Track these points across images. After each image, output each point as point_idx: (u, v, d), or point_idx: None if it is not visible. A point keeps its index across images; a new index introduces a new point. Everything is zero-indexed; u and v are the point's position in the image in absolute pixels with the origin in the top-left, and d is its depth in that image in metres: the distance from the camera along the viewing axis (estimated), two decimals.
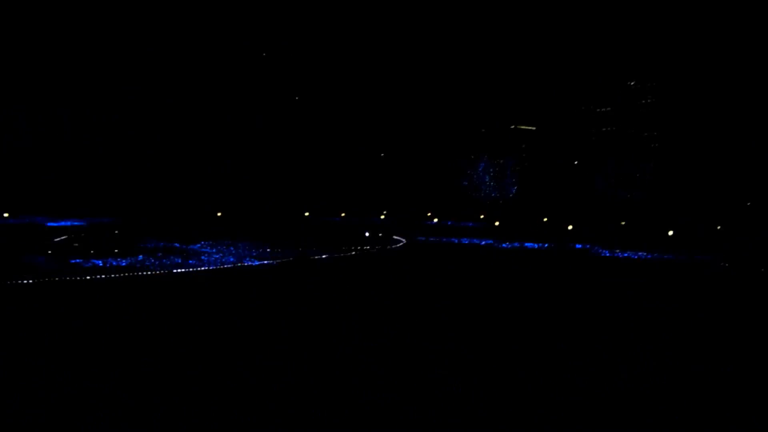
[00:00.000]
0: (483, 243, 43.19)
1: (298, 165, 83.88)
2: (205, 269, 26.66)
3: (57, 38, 75.12)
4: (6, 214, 58.71)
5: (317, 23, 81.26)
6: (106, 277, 23.34)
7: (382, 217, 71.52)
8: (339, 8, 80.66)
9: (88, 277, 22.96)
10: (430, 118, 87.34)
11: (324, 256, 32.76)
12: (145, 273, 24.76)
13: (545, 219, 67.49)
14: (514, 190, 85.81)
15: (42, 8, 73.19)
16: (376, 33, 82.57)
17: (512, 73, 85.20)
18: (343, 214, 72.78)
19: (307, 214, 72.49)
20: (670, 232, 51.82)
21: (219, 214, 71.04)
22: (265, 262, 29.95)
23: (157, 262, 28.64)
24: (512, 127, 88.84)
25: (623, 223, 63.63)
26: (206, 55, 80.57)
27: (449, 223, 65.04)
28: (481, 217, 71.39)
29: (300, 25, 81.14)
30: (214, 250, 35.60)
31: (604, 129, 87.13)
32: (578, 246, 41.31)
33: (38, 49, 74.79)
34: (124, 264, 27.66)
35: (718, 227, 59.31)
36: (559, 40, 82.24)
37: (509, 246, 41.76)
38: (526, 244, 42.85)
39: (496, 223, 63.17)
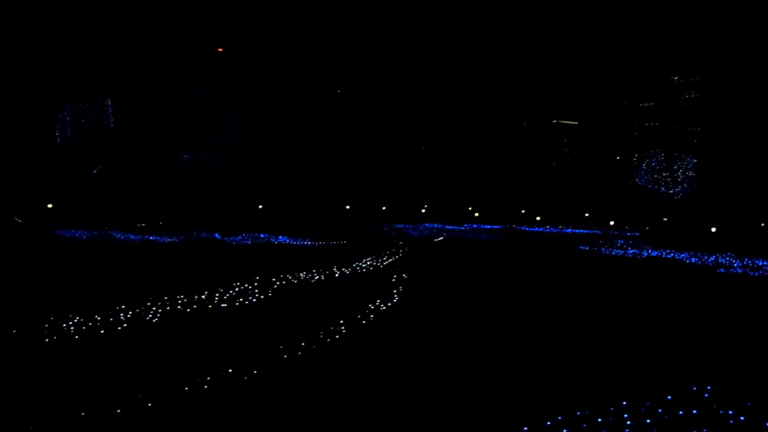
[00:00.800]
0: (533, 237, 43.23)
1: (342, 160, 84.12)
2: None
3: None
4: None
5: (360, 21, 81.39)
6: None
7: (423, 211, 71.65)
8: (376, 6, 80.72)
9: None
10: (471, 111, 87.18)
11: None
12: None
13: (587, 214, 67.27)
14: (556, 184, 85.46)
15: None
16: (417, 28, 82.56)
17: (554, 67, 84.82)
18: (384, 208, 72.99)
19: (348, 207, 72.78)
20: (713, 229, 51.51)
21: (260, 206, 71.52)
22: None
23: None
24: (554, 121, 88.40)
25: (665, 219, 63.26)
26: (267, 49, 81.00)
27: (491, 216, 65.04)
28: (522, 211, 71.29)
29: (342, 22, 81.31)
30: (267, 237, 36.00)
31: (646, 124, 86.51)
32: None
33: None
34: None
35: (762, 224, 58.77)
36: (602, 34, 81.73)
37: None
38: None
39: (537, 218, 63.10)
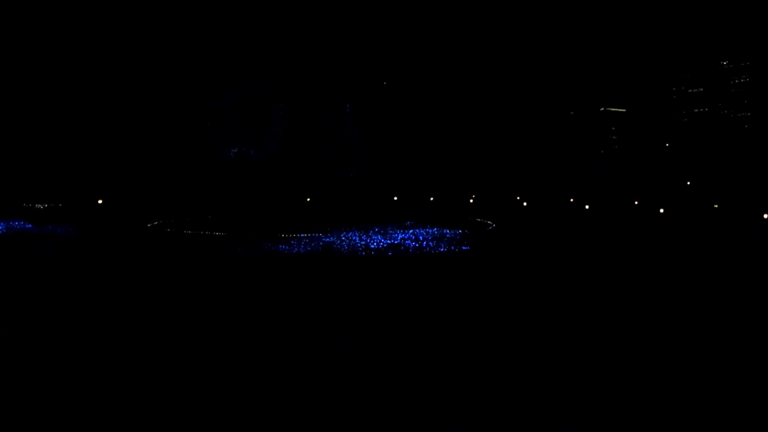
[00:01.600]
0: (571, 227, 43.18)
1: (385, 150, 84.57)
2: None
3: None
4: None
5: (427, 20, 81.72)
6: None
7: (471, 201, 71.87)
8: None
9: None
10: (517, 101, 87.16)
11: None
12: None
13: (636, 202, 67.02)
14: (603, 173, 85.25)
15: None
16: (467, 24, 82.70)
17: (602, 54, 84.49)
18: (432, 198, 73.32)
19: (395, 198, 73.22)
20: (766, 216, 51.21)
21: (308, 199, 72.17)
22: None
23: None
24: (602, 109, 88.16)
25: (716, 206, 62.91)
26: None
27: (538, 206, 65.09)
28: (570, 200, 71.19)
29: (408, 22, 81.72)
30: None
31: (695, 110, 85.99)
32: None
33: None
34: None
35: None
36: (650, 20, 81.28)
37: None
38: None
39: (586, 207, 63.03)
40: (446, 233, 38.21)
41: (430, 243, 32.68)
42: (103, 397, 10.60)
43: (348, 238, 34.38)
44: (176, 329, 14.99)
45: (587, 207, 62.72)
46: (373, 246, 31.45)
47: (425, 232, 38.39)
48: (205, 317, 16.24)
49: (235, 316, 16.50)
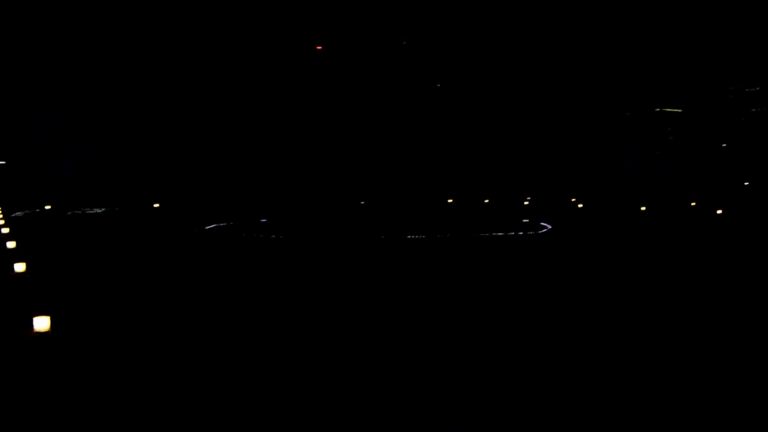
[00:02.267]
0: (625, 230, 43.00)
1: (438, 151, 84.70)
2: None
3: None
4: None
5: (456, 16, 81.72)
6: None
7: (526, 203, 71.68)
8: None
9: None
10: (572, 100, 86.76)
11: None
12: None
13: (693, 203, 66.40)
14: (660, 175, 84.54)
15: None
16: (512, 17, 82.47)
17: (657, 53, 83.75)
18: (486, 201, 73.26)
19: (450, 200, 73.28)
20: None
21: (362, 202, 72.51)
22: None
23: None
24: (657, 109, 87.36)
25: None
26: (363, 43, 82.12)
27: (594, 208, 64.77)
28: (626, 202, 70.69)
29: (440, 16, 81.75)
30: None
31: (753, 110, 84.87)
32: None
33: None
34: None
35: None
36: (705, 18, 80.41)
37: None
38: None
39: (642, 208, 62.58)
40: (502, 235, 38.31)
41: (486, 245, 32.86)
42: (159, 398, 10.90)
43: (405, 242, 34.60)
44: (234, 332, 15.31)
45: (643, 209, 62.31)
46: (427, 250, 31.61)
47: (481, 234, 38.53)
48: (266, 320, 16.55)
49: (298, 317, 16.79)
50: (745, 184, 78.91)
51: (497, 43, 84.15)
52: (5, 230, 38.48)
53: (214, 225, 45.22)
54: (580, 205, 68.06)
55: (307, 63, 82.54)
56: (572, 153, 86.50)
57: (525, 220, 49.62)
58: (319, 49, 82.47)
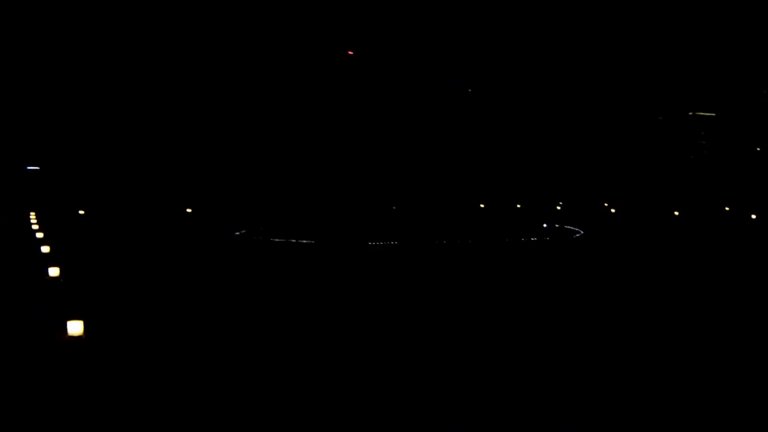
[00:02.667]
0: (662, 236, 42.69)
1: (471, 155, 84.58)
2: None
3: None
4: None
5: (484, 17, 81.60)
6: None
7: (558, 207, 71.41)
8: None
9: None
10: (605, 104, 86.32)
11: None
12: None
13: (726, 208, 65.88)
14: (692, 178, 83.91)
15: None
16: (546, 21, 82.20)
17: (689, 56, 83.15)
18: (518, 206, 73.08)
19: (482, 205, 73.19)
20: None
21: (394, 207, 72.54)
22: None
23: None
24: (690, 113, 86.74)
25: None
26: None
27: (626, 212, 64.39)
28: (659, 206, 70.26)
29: (464, 20, 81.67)
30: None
31: None
32: None
33: None
34: None
35: None
36: (739, 22, 79.76)
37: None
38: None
39: (676, 213, 62.16)
40: (532, 239, 38.20)
41: (517, 250, 32.78)
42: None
43: (438, 248, 34.54)
44: (263, 338, 15.32)
45: (676, 213, 61.88)
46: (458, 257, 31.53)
47: (512, 239, 38.43)
48: (295, 327, 16.55)
49: (326, 325, 16.77)
50: None
51: (529, 47, 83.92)
52: (39, 235, 38.80)
53: (244, 230, 45.39)
54: (612, 210, 67.69)
55: (339, 68, 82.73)
56: (605, 157, 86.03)
57: (557, 225, 49.43)
58: (351, 54, 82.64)
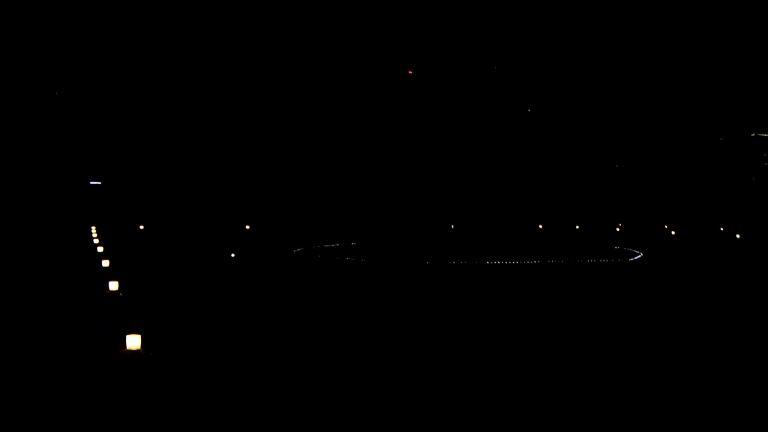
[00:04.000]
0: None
1: (530, 177, 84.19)
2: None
3: None
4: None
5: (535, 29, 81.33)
6: None
7: (618, 229, 70.70)
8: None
9: None
10: (666, 126, 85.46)
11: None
12: None
13: None
14: (755, 201, 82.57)
15: None
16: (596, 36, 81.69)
17: (752, 77, 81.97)
18: (577, 227, 72.49)
19: (540, 226, 72.73)
20: None
21: (452, 226, 72.40)
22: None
23: None
24: (753, 135, 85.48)
25: None
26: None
27: (687, 235, 63.57)
28: (721, 229, 69.26)
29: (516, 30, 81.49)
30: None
31: None
32: None
33: None
34: None
35: None
36: None
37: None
38: None
39: (737, 236, 61.19)
40: (592, 262, 37.84)
41: (575, 272, 32.50)
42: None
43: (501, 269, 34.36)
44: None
45: (738, 236, 60.92)
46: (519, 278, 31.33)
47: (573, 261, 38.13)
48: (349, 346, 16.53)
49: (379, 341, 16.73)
50: None
51: (588, 68, 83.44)
52: (100, 249, 39.33)
53: (302, 248, 45.57)
54: (672, 232, 66.88)
55: (400, 89, 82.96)
56: (665, 178, 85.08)
57: (616, 247, 48.93)
58: (410, 74, 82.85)
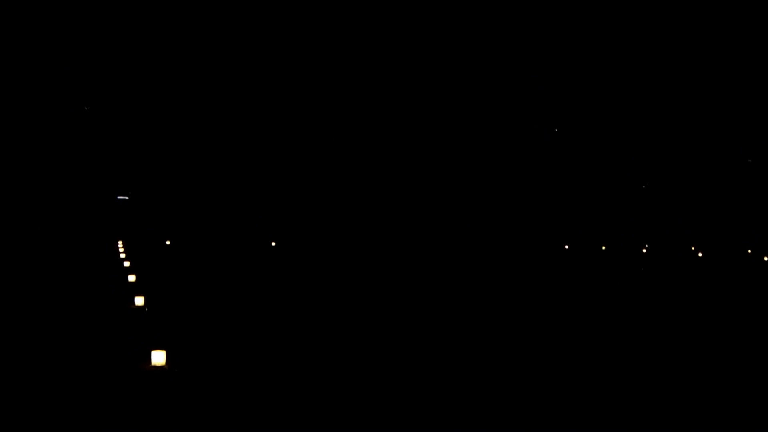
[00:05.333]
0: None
1: (554, 194, 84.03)
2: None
3: None
4: None
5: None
6: None
7: (644, 250, 70.32)
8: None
9: None
10: (691, 147, 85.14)
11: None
12: None
13: None
14: None
15: None
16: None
17: None
18: (604, 248, 72.15)
19: (567, 246, 72.45)
20: None
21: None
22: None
23: None
24: None
25: None
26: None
27: (715, 257, 63.12)
28: (749, 251, 68.72)
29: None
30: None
31: None
32: None
33: None
34: None
35: None
36: None
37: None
38: None
39: (766, 258, 60.65)
40: (615, 283, 37.65)
41: (598, 293, 32.35)
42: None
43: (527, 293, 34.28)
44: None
45: (766, 259, 60.40)
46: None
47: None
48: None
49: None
50: None
51: (615, 87, 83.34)
52: (126, 264, 39.57)
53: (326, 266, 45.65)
54: (699, 254, 66.43)
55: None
56: (691, 199, 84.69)
57: (642, 269, 48.67)
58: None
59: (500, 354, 17.91)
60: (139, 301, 24.30)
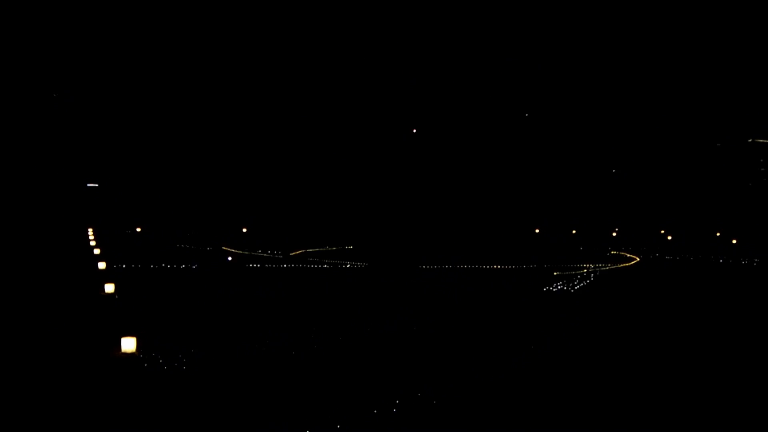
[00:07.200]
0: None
1: (526, 182, 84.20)
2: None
3: None
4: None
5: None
6: None
7: (614, 234, 70.75)
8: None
9: None
10: (662, 131, 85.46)
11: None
12: None
13: None
14: (751, 207, 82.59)
15: None
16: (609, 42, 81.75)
17: (749, 82, 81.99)
18: (574, 231, 72.50)
19: (537, 230, 72.73)
20: None
21: (450, 231, 72.33)
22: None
23: None
24: (750, 140, 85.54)
25: None
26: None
27: (683, 240, 63.61)
28: (717, 234, 69.29)
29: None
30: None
31: None
32: None
33: None
34: None
35: None
36: None
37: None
38: None
39: (734, 241, 61.23)
40: (591, 267, 37.85)
41: (571, 277, 32.52)
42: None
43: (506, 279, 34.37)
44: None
45: (734, 241, 61.00)
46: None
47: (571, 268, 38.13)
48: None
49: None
50: None
51: (583, 71, 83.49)
52: (96, 251, 39.31)
53: (301, 251, 45.59)
54: (669, 237, 66.92)
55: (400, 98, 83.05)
56: (661, 183, 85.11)
57: (613, 252, 48.99)
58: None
59: (482, 345, 18.02)
60: (110, 288, 24.13)
